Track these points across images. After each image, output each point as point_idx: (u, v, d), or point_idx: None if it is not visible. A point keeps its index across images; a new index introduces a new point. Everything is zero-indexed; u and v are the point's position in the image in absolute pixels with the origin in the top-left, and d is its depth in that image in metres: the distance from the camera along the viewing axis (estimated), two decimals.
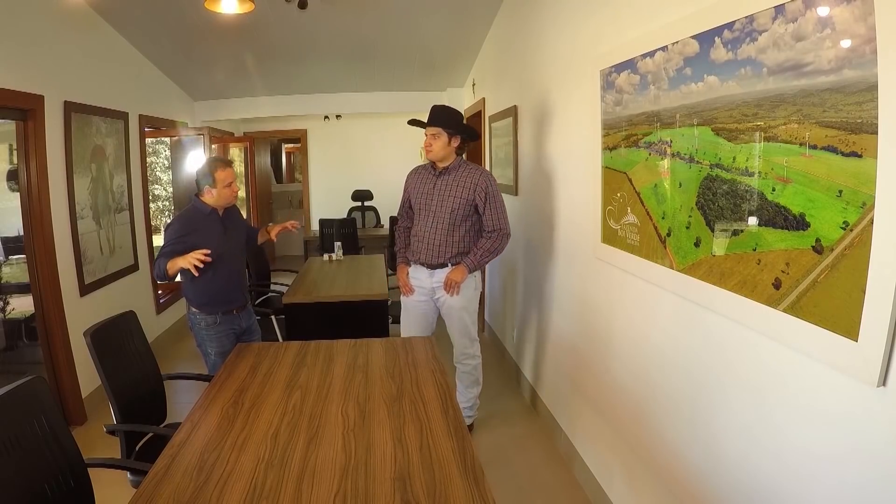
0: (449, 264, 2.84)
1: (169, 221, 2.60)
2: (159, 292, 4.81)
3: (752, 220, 1.37)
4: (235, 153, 7.51)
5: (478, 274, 2.91)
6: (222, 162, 2.68)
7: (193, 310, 2.67)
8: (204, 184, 2.61)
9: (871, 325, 1.05)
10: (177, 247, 2.45)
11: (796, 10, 1.19)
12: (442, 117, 2.77)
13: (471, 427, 3.12)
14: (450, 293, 2.83)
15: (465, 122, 2.89)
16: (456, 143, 2.80)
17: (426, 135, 2.79)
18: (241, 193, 7.50)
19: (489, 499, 1.31)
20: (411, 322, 2.97)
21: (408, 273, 2.95)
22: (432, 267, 2.86)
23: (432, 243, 2.83)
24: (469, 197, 2.78)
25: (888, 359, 1.03)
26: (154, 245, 4.79)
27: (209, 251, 2.39)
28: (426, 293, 2.91)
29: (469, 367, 2.99)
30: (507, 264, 4.05)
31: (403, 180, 3.03)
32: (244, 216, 3.02)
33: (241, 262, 2.80)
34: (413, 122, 2.93)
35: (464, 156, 2.93)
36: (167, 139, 5.83)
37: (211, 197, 2.62)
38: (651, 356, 1.96)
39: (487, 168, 4.72)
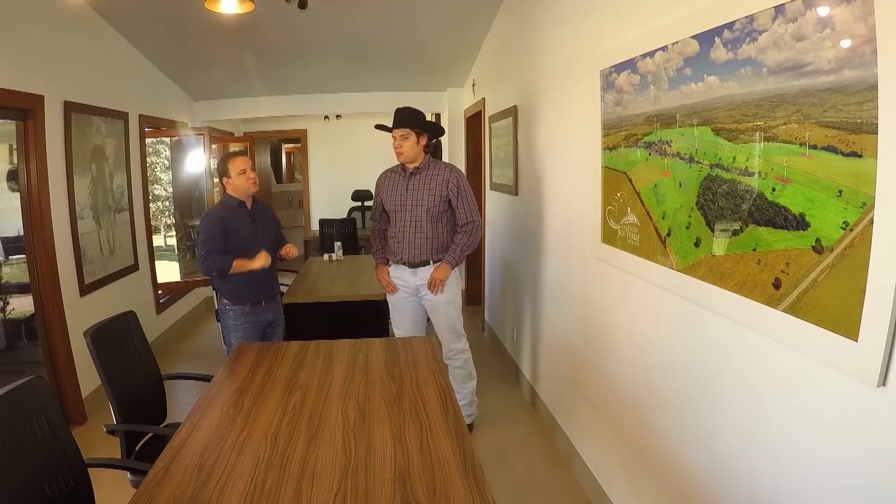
0: (431, 262, 2.90)
1: (203, 215, 2.82)
2: (159, 292, 4.81)
3: (752, 220, 1.37)
4: None
5: (457, 270, 2.97)
6: (234, 153, 2.85)
7: (224, 301, 2.77)
8: (221, 176, 2.75)
9: (871, 325, 1.05)
10: (217, 240, 2.62)
11: (796, 10, 1.19)
12: (409, 118, 2.82)
13: (470, 427, 3.13)
14: (434, 292, 2.89)
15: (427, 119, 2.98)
16: (423, 141, 2.86)
17: (394, 137, 2.82)
18: None
19: (489, 499, 1.31)
20: (403, 320, 3.03)
21: (388, 272, 3.00)
22: (414, 266, 2.91)
23: (413, 242, 2.88)
24: (442, 193, 2.85)
25: (888, 359, 1.03)
26: (154, 245, 4.80)
27: (269, 260, 2.67)
28: (410, 291, 2.97)
29: (460, 362, 3.02)
30: (508, 264, 4.05)
31: None
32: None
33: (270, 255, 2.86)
34: (379, 127, 2.98)
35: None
36: (167, 139, 5.83)
37: (231, 188, 2.74)
38: (651, 356, 1.96)
39: (487, 168, 4.72)
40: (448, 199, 2.87)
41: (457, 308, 2.99)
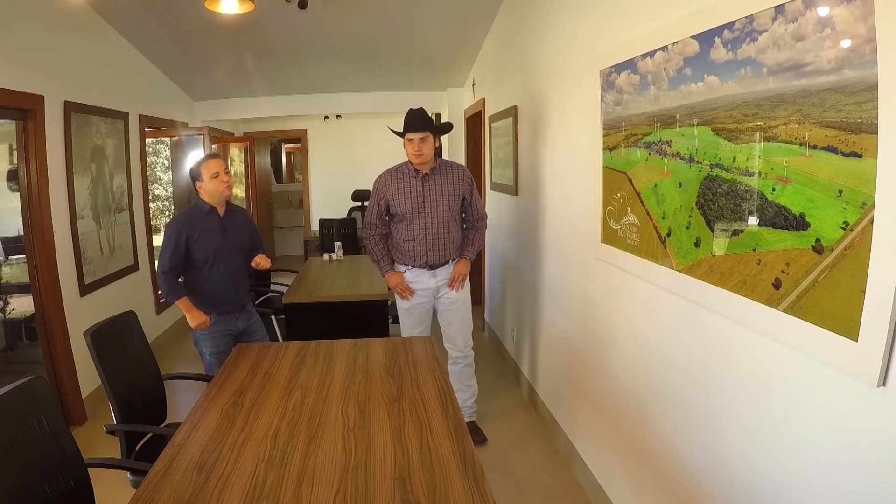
0: (450, 260, 2.92)
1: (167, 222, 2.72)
2: (159, 292, 4.81)
3: (752, 220, 1.37)
4: (235, 153, 7.51)
5: None
6: (207, 155, 2.74)
7: None
8: (194, 180, 2.66)
9: (871, 325, 1.05)
10: (177, 256, 2.56)
11: (796, 10, 1.19)
12: (428, 121, 2.80)
13: (474, 424, 3.12)
14: (456, 288, 2.93)
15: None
16: (436, 143, 2.87)
17: (414, 140, 2.73)
18: (241, 193, 7.48)
19: (489, 499, 1.31)
20: (415, 323, 2.98)
21: (403, 277, 2.93)
22: (435, 266, 2.90)
23: (436, 243, 2.86)
24: (460, 192, 2.89)
25: (888, 359, 1.03)
26: (154, 245, 4.80)
27: (208, 324, 2.61)
28: (429, 293, 2.95)
29: (470, 359, 3.06)
30: (508, 264, 4.05)
31: None
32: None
33: (239, 264, 2.76)
34: (400, 133, 2.83)
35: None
36: (167, 139, 5.84)
37: (204, 192, 2.64)
38: (651, 356, 1.96)
39: (487, 168, 4.73)
40: (463, 197, 2.90)
41: (470, 303, 3.06)
